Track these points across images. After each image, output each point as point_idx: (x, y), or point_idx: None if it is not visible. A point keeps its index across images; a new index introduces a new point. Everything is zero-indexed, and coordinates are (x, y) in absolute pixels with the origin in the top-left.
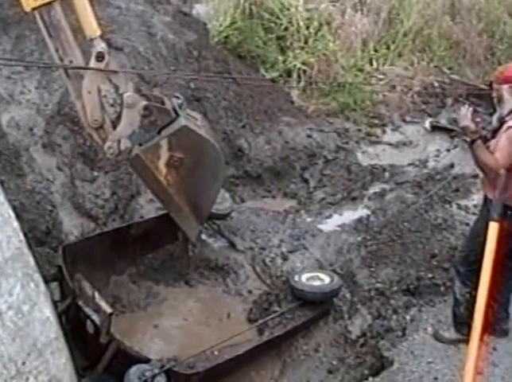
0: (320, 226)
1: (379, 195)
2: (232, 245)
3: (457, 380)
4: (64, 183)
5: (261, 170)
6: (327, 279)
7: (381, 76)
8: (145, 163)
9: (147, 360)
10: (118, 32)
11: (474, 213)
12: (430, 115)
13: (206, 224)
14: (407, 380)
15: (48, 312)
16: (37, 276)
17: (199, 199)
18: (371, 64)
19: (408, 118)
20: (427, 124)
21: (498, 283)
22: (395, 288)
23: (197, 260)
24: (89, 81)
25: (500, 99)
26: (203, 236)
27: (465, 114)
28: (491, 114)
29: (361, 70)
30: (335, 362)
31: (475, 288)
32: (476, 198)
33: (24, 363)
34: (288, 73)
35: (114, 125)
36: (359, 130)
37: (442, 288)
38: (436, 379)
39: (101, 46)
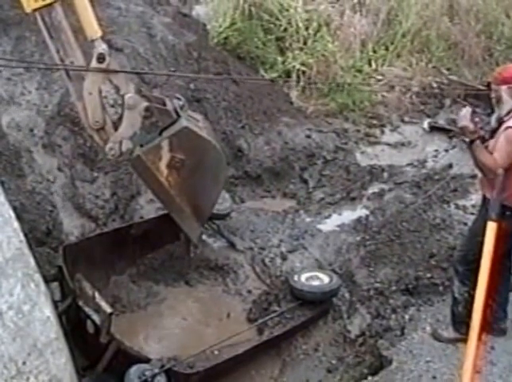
0: (319, 226)
1: (378, 195)
2: (232, 245)
3: (456, 379)
4: (64, 183)
5: (261, 170)
6: (326, 279)
7: (379, 77)
8: (146, 164)
9: (147, 360)
10: (118, 33)
11: (472, 213)
12: (428, 116)
13: (206, 224)
14: (406, 379)
15: (48, 312)
16: (38, 276)
17: (200, 200)
18: (370, 65)
19: (406, 119)
20: (425, 124)
21: (496, 283)
22: (394, 288)
23: (197, 260)
24: (90, 82)
25: (499, 100)
26: (203, 236)
27: (464, 115)
28: (489, 115)
29: (360, 71)
30: (334, 361)
31: (474, 287)
32: (474, 198)
33: (24, 363)
34: (288, 74)
35: (116, 126)
36: (358, 131)
37: (440, 287)
38: (434, 378)
39: (102, 47)
